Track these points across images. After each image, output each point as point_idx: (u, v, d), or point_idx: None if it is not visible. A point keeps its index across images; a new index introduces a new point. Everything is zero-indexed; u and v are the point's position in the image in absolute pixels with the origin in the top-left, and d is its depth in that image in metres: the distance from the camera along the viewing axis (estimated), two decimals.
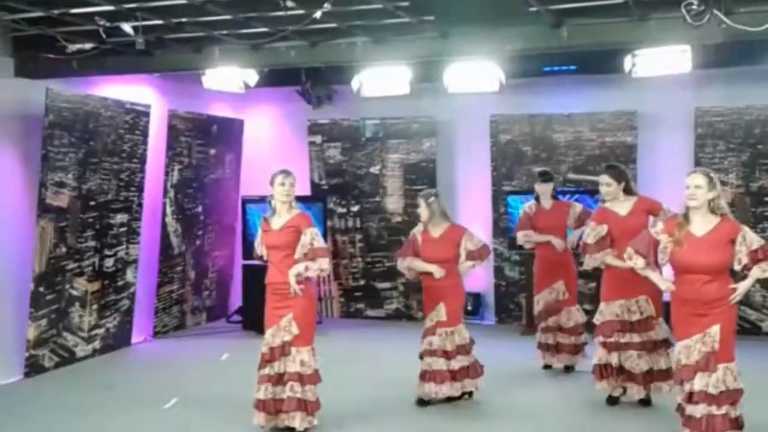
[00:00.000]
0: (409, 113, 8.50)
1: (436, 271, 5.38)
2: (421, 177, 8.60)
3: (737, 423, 4.20)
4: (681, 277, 4.24)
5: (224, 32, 5.96)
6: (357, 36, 5.94)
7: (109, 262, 7.18)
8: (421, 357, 5.48)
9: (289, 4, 5.01)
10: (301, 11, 5.18)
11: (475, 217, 7.73)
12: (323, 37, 5.97)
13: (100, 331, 7.16)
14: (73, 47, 6.16)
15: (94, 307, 7.06)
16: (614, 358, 5.24)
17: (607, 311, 5.27)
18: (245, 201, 8.40)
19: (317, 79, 7.97)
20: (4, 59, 6.33)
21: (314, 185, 8.88)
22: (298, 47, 6.12)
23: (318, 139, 8.93)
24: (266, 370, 4.87)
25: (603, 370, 5.31)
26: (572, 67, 7.42)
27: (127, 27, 5.51)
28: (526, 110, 8.23)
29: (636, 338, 5.22)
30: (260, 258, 5.13)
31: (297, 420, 4.82)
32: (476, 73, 6.92)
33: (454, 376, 5.40)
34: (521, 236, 6.42)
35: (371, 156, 8.78)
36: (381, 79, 7.15)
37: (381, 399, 5.71)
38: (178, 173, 8.08)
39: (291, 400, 4.81)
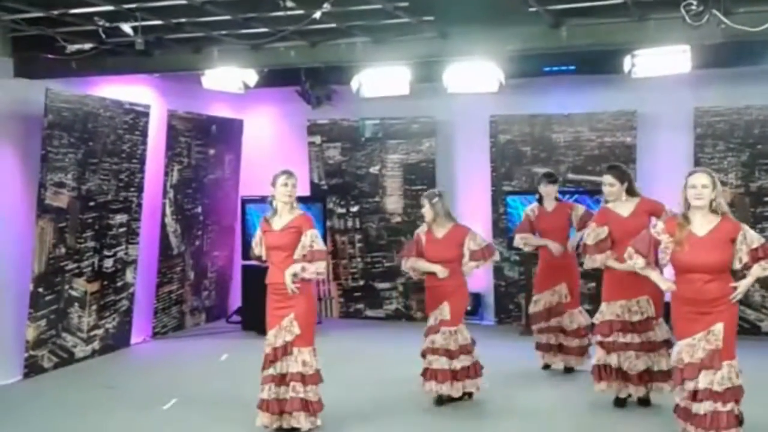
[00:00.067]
0: (408, 113, 8.50)
1: (440, 271, 5.39)
2: (421, 177, 8.60)
3: (739, 419, 4.23)
4: (682, 276, 4.24)
5: (224, 32, 5.96)
6: (356, 36, 5.94)
7: (108, 263, 7.18)
8: (423, 355, 5.49)
9: (289, 4, 5.01)
10: (301, 11, 5.18)
11: (475, 218, 7.72)
12: (323, 37, 5.97)
13: (100, 331, 7.16)
14: (72, 47, 6.15)
15: (94, 307, 7.06)
16: (613, 359, 5.24)
17: (608, 311, 5.28)
18: (245, 201, 8.40)
19: (317, 80, 7.97)
20: (4, 59, 6.32)
21: (314, 185, 8.88)
22: (298, 47, 6.11)
23: (317, 139, 8.93)
24: (270, 371, 4.88)
25: (602, 371, 5.31)
26: (572, 68, 7.42)
27: (126, 27, 5.51)
28: (525, 110, 8.23)
29: (636, 339, 5.22)
30: (258, 258, 5.14)
31: (301, 420, 4.83)
32: (476, 74, 6.92)
33: (455, 376, 5.40)
34: (518, 239, 6.43)
35: (371, 156, 8.78)
36: (380, 80, 7.15)
37: (382, 399, 5.71)
38: (178, 173, 8.07)
39: (294, 400, 4.82)
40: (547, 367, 6.38)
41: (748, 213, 7.40)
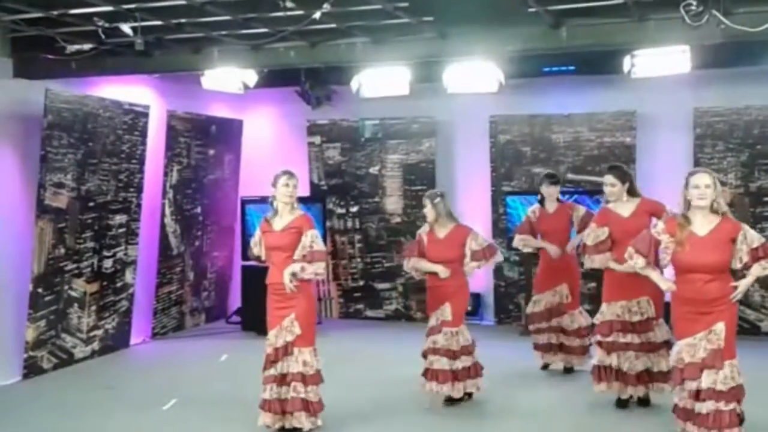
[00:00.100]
0: (408, 114, 8.50)
1: (442, 271, 5.39)
2: (421, 177, 8.60)
3: (741, 418, 4.24)
4: (683, 276, 4.25)
5: (223, 33, 5.96)
6: (356, 36, 5.94)
7: (107, 263, 7.18)
8: (424, 356, 5.49)
9: (289, 4, 5.01)
10: (301, 12, 5.18)
11: (475, 218, 7.71)
12: (322, 37, 5.97)
13: (99, 332, 7.15)
14: (72, 48, 6.15)
15: (93, 308, 7.05)
16: (613, 360, 5.23)
17: (609, 312, 5.27)
18: (244, 201, 8.40)
19: (316, 80, 7.97)
20: (3, 60, 6.33)
21: (313, 186, 8.88)
22: (298, 48, 6.11)
23: (317, 139, 8.92)
24: (271, 371, 4.88)
25: (602, 372, 5.30)
26: (571, 68, 7.42)
27: (126, 28, 5.51)
28: (525, 111, 8.23)
29: (636, 339, 5.22)
30: (256, 258, 5.14)
31: (303, 420, 4.84)
32: (475, 74, 6.92)
33: (456, 376, 5.40)
34: (518, 240, 6.43)
35: (370, 156, 8.78)
36: (380, 80, 7.15)
37: (382, 399, 5.71)
38: (177, 174, 8.07)
39: (295, 400, 4.83)
40: (546, 366, 6.38)
41: (748, 213, 7.40)
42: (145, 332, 7.86)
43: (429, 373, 5.44)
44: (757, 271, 4.18)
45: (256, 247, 5.07)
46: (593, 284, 6.88)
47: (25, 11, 5.39)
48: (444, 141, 8.61)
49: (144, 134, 7.45)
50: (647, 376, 5.26)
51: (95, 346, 7.11)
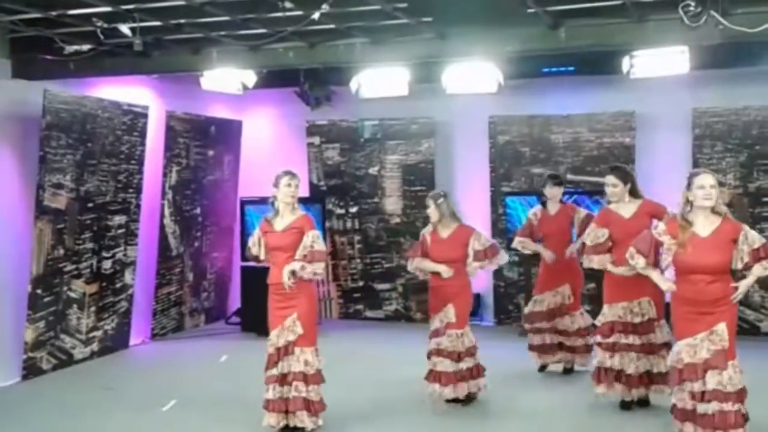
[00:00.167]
0: (407, 114, 8.50)
1: (444, 271, 5.39)
2: (420, 178, 8.60)
3: (745, 417, 4.25)
4: (684, 277, 4.25)
5: (222, 33, 5.96)
6: (355, 37, 5.94)
7: (107, 264, 7.17)
8: (429, 357, 5.50)
9: (288, 5, 5.01)
10: (300, 12, 5.18)
11: (474, 219, 7.69)
12: (322, 38, 5.97)
13: (98, 333, 7.15)
14: (70, 48, 6.15)
15: (92, 309, 7.05)
16: (615, 361, 5.22)
17: (610, 313, 5.27)
18: (244, 202, 8.39)
19: (316, 80, 7.97)
20: (2, 60, 6.33)
21: (313, 186, 8.88)
22: (297, 48, 6.11)
23: (316, 140, 8.92)
24: (273, 371, 4.89)
25: (602, 374, 5.29)
26: (570, 68, 7.43)
27: (124, 28, 5.50)
28: (524, 111, 8.23)
29: (637, 340, 5.21)
30: (254, 258, 5.13)
31: (305, 419, 4.85)
32: (475, 74, 6.93)
33: (460, 378, 5.40)
34: (517, 242, 6.43)
35: (370, 157, 8.78)
36: (379, 80, 7.16)
37: (382, 400, 5.71)
38: (177, 174, 8.07)
39: (297, 400, 4.84)
40: (544, 368, 6.36)
41: (747, 213, 7.40)
42: (145, 333, 7.86)
43: (432, 375, 5.45)
44: (758, 271, 4.18)
45: (255, 247, 5.08)
46: (593, 285, 6.88)
47: (23, 12, 5.38)
48: (443, 141, 8.61)
49: (143, 135, 7.45)
50: (647, 378, 5.26)
51: (94, 347, 7.11)
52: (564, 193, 6.80)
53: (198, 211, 8.45)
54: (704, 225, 4.21)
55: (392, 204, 8.74)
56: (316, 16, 5.11)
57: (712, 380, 4.18)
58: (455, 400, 5.48)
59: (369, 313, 8.86)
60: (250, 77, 7.33)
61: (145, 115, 7.47)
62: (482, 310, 8.50)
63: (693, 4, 4.65)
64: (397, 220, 8.73)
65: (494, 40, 5.57)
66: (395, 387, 5.99)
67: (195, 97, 8.07)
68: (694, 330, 4.23)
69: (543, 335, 6.31)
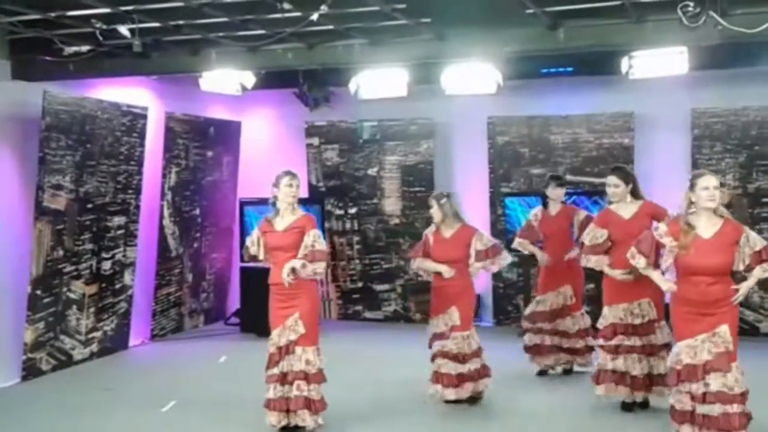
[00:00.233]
0: (406, 115, 8.50)
1: (446, 271, 5.40)
2: (419, 179, 8.60)
3: (748, 418, 4.26)
4: (686, 278, 4.26)
5: (221, 34, 5.96)
6: (354, 38, 5.94)
7: (106, 265, 7.17)
8: (433, 359, 5.50)
9: (286, 6, 5.01)
10: (298, 13, 5.18)
11: (473, 219, 7.69)
12: (320, 39, 5.97)
13: (98, 334, 7.15)
14: (69, 50, 6.16)
15: (92, 310, 7.05)
16: (619, 363, 5.20)
17: (610, 315, 5.26)
18: (243, 203, 8.40)
19: (314, 81, 7.97)
20: (1, 62, 6.33)
21: (312, 187, 8.88)
22: (295, 49, 6.11)
23: (315, 141, 8.92)
24: (274, 370, 4.90)
25: (602, 375, 5.28)
26: (569, 69, 7.43)
27: (123, 29, 5.51)
28: (523, 112, 8.23)
29: (637, 342, 5.21)
30: (252, 258, 5.13)
31: (306, 418, 4.86)
32: (473, 75, 6.92)
33: (465, 379, 5.40)
34: (517, 243, 6.45)
35: (369, 158, 8.78)
36: (378, 81, 7.15)
37: (382, 400, 5.71)
38: (176, 175, 8.07)
39: (298, 399, 4.85)
40: (543, 372, 6.32)
41: (746, 214, 7.41)
42: (144, 334, 7.86)
43: (435, 376, 5.45)
44: (758, 273, 4.20)
45: (253, 247, 5.08)
46: (591, 285, 6.88)
47: (23, 13, 5.39)
48: (442, 142, 8.62)
49: (142, 136, 7.45)
50: (648, 380, 5.25)
51: (94, 347, 7.11)
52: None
53: (197, 212, 8.45)
54: (706, 226, 4.22)
55: (391, 205, 8.74)
56: (314, 17, 5.11)
57: (715, 382, 4.18)
58: (458, 401, 5.47)
59: (368, 314, 8.86)
60: (249, 78, 7.32)
61: (145, 116, 7.47)
62: (481, 311, 8.49)
63: (692, 4, 4.65)
64: (396, 220, 8.73)
65: (493, 40, 5.57)
66: (394, 387, 5.99)
67: (194, 98, 8.07)
68: (694, 331, 4.23)
69: (542, 336, 6.28)
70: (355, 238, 8.86)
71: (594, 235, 5.30)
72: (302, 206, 5.21)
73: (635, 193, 5.34)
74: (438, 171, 8.56)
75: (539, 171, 8.11)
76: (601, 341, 5.29)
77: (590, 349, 6.18)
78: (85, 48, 6.12)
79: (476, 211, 8.18)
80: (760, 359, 6.23)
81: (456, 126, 8.55)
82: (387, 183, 8.74)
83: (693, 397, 4.26)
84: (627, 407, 5.30)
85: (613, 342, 5.22)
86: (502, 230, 8.06)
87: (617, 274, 5.15)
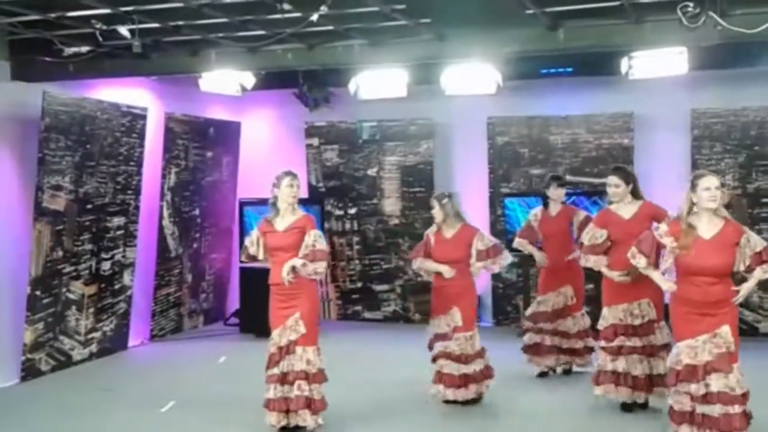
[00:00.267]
0: (406, 115, 8.51)
1: (446, 271, 5.40)
2: (419, 179, 8.60)
3: (749, 419, 4.27)
4: (686, 278, 4.26)
5: (221, 35, 5.96)
6: (354, 39, 5.95)
7: (105, 266, 7.17)
8: (434, 360, 5.49)
9: (286, 7, 5.01)
10: (298, 14, 5.18)
11: (473, 220, 7.69)
12: (320, 39, 5.97)
13: (97, 334, 7.14)
14: (69, 50, 6.15)
15: (91, 310, 7.05)
16: (618, 364, 5.19)
17: (611, 316, 5.25)
18: (242, 203, 8.40)
19: (314, 82, 7.97)
20: (1, 62, 6.34)
21: (312, 188, 8.88)
22: (295, 50, 6.12)
23: (315, 141, 8.92)
24: (275, 370, 4.90)
25: (602, 376, 5.28)
26: (569, 70, 7.44)
27: (123, 30, 5.51)
28: (523, 112, 8.23)
29: (638, 342, 5.20)
30: (251, 258, 5.12)
31: (307, 418, 4.86)
32: (473, 76, 6.92)
33: (469, 380, 5.40)
34: (517, 242, 6.45)
35: (368, 158, 8.78)
36: (378, 82, 7.15)
37: (382, 400, 5.71)
38: (175, 176, 8.07)
39: (299, 399, 4.85)
40: (544, 374, 6.30)
41: (746, 214, 7.41)
42: (144, 334, 7.86)
43: (437, 377, 5.45)
44: (759, 274, 4.20)
45: (253, 247, 5.08)
46: (591, 286, 6.88)
47: (22, 14, 5.39)
48: (442, 143, 8.62)
49: (142, 136, 7.45)
50: (648, 380, 5.24)
51: (93, 348, 7.10)
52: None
53: (197, 212, 8.45)
54: (707, 227, 4.23)
55: (391, 205, 8.74)
56: (314, 17, 5.11)
57: (717, 383, 4.18)
58: (457, 401, 5.47)
59: (367, 314, 8.86)
60: (249, 79, 7.32)
61: (144, 117, 7.47)
62: (481, 311, 8.47)
63: (691, 4, 4.65)
64: (396, 221, 8.73)
65: (493, 41, 5.58)
66: (394, 387, 5.99)
67: (194, 99, 8.07)
68: (694, 331, 4.23)
69: (542, 336, 6.28)
70: (355, 239, 8.86)
71: (593, 235, 5.30)
72: (302, 207, 5.21)
73: (635, 194, 5.35)
74: (438, 171, 8.56)
75: (539, 171, 8.11)
76: (603, 343, 5.28)
77: (590, 350, 6.18)
78: (84, 49, 6.12)
79: (476, 212, 8.17)
80: (759, 359, 6.23)
81: (456, 126, 8.55)
82: (387, 183, 8.74)
83: (693, 398, 4.26)
84: (627, 408, 5.30)
85: (615, 343, 5.21)
86: (502, 231, 8.06)
87: (614, 275, 5.16)
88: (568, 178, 7.99)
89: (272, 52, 6.13)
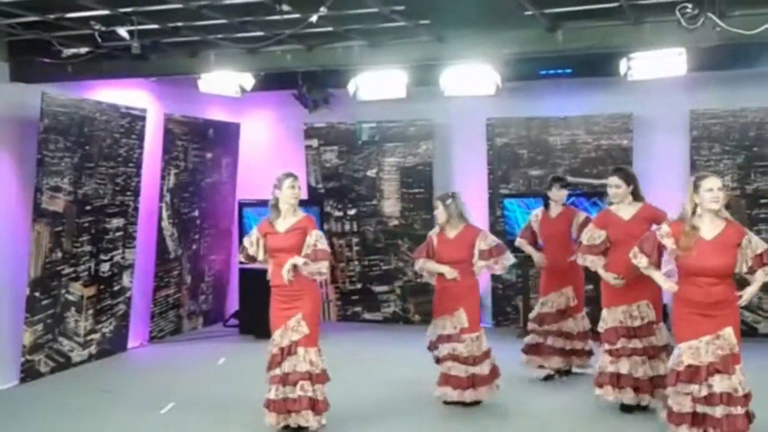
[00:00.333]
0: (405, 117, 8.51)
1: (448, 272, 5.40)
2: (418, 180, 8.61)
3: (750, 419, 4.28)
4: (688, 278, 4.26)
5: (220, 36, 5.96)
6: (353, 40, 5.95)
7: (104, 267, 7.17)
8: (439, 361, 5.48)
9: (285, 8, 5.01)
10: (297, 15, 5.18)
11: (472, 221, 7.72)
12: (319, 40, 5.97)
13: (96, 336, 7.14)
14: (68, 51, 6.15)
15: (90, 311, 7.04)
16: (621, 365, 5.18)
17: (610, 318, 5.24)
18: (242, 205, 8.40)
19: (314, 83, 7.97)
20: (0, 63, 6.32)
21: (311, 189, 8.88)
22: (295, 51, 6.12)
23: (315, 142, 8.93)
24: (276, 371, 4.90)
25: (604, 378, 5.26)
26: (568, 71, 7.44)
27: (122, 31, 5.51)
28: (522, 113, 8.24)
29: (638, 344, 5.20)
30: (250, 259, 5.11)
31: (310, 419, 4.86)
32: (472, 77, 6.93)
33: (477, 381, 5.40)
34: (518, 241, 6.47)
35: (368, 159, 8.78)
36: (377, 83, 7.15)
37: (382, 401, 5.72)
38: (175, 177, 8.07)
39: (302, 399, 4.85)
40: (550, 377, 6.28)
41: (745, 215, 7.41)
42: (143, 336, 7.85)
43: (442, 378, 5.44)
44: (761, 277, 4.22)
45: (252, 247, 5.07)
46: (590, 287, 6.88)
47: (21, 15, 5.38)
48: (441, 144, 8.62)
49: (141, 138, 7.45)
50: (650, 381, 5.23)
51: (92, 349, 7.10)
52: None
53: (196, 213, 8.44)
54: (710, 228, 4.23)
55: (390, 206, 8.74)
56: (313, 18, 5.11)
57: (720, 384, 4.18)
58: (457, 402, 5.46)
59: (367, 316, 8.86)
60: (248, 80, 7.32)
61: (143, 118, 7.47)
62: (480, 312, 8.47)
63: (690, 6, 4.66)
64: (396, 222, 8.73)
65: (492, 42, 5.58)
66: (394, 388, 6.00)
67: (193, 100, 8.07)
68: (697, 332, 4.23)
69: (545, 336, 6.25)
70: (354, 240, 8.86)
71: (591, 235, 5.31)
72: (301, 208, 5.21)
73: (636, 195, 5.34)
74: (437, 172, 8.56)
75: (538, 172, 8.12)
76: (606, 346, 5.26)
77: (589, 353, 6.18)
78: (83, 50, 6.12)
79: (475, 213, 8.11)
80: (758, 360, 6.22)
81: (455, 127, 8.56)
82: (386, 184, 8.74)
83: (694, 399, 4.26)
84: (627, 409, 5.30)
85: (618, 345, 5.20)
86: (501, 231, 8.05)
87: (610, 278, 5.16)
88: (568, 179, 8.01)
89: (271, 54, 6.13)
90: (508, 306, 8.41)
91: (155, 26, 5.55)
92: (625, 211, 5.32)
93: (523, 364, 6.30)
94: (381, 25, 5.59)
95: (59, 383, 6.46)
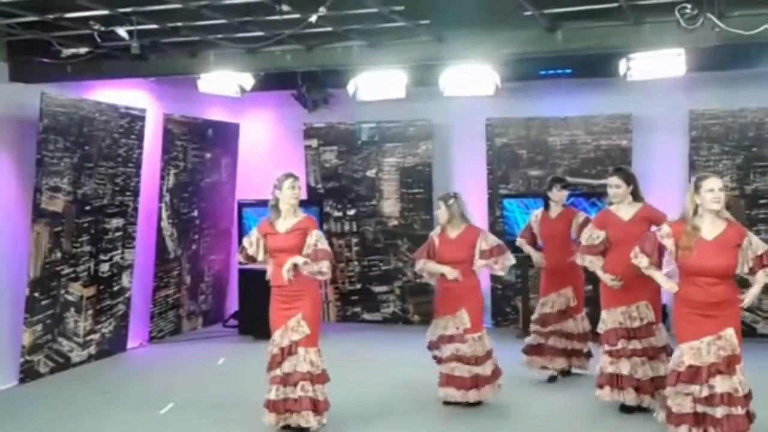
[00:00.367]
0: (405, 117, 8.51)
1: (449, 272, 5.40)
2: (418, 180, 8.61)
3: (751, 419, 4.29)
4: (689, 279, 4.27)
5: (219, 36, 5.96)
6: (353, 40, 5.95)
7: (104, 267, 7.16)
8: (440, 361, 5.48)
9: (285, 8, 5.01)
10: (297, 15, 5.18)
11: (472, 221, 7.73)
12: (319, 40, 5.98)
13: (96, 336, 7.14)
14: (67, 52, 6.15)
15: (90, 312, 7.04)
16: (622, 366, 5.18)
17: (610, 319, 5.24)
18: (241, 205, 8.40)
19: (313, 83, 7.96)
20: None
21: (310, 189, 8.88)
22: (294, 51, 6.12)
23: (314, 142, 8.93)
24: (277, 372, 4.90)
25: (604, 379, 5.26)
26: (567, 71, 7.44)
27: (122, 31, 5.51)
28: (521, 113, 8.24)
29: (638, 345, 5.20)
30: (249, 259, 5.10)
31: (310, 419, 4.86)
32: (472, 77, 6.92)
33: (480, 381, 5.40)
34: (518, 241, 6.47)
35: (367, 160, 8.79)
36: (377, 83, 7.14)
37: (382, 401, 5.72)
38: (174, 177, 8.07)
39: (303, 399, 4.85)
40: (553, 378, 6.26)
41: (744, 215, 7.41)
42: (142, 336, 7.85)
43: (446, 379, 5.44)
44: (762, 278, 4.22)
45: (252, 248, 5.06)
46: (589, 287, 6.88)
47: (20, 15, 5.38)
48: (441, 144, 8.62)
49: (140, 138, 7.45)
50: (651, 382, 5.23)
51: (92, 350, 7.10)
52: None
53: (195, 213, 8.44)
54: (710, 229, 4.24)
55: (390, 206, 8.74)
56: (313, 18, 5.11)
57: (722, 384, 4.19)
58: (458, 403, 5.46)
59: (367, 316, 8.86)
60: (248, 80, 7.31)
61: (143, 118, 7.47)
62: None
63: (689, 6, 4.66)
64: (395, 222, 8.73)
65: (491, 42, 5.58)
66: (394, 388, 6.00)
67: (192, 100, 8.07)
68: (698, 332, 4.24)
69: (547, 337, 6.24)
70: (354, 240, 8.85)
71: (590, 235, 5.31)
72: (300, 208, 5.21)
73: (636, 195, 5.34)
74: (436, 172, 8.56)
75: (537, 173, 8.12)
76: (606, 347, 5.26)
77: (588, 354, 6.18)
78: (83, 50, 6.12)
79: (475, 213, 8.11)
80: (758, 360, 6.22)
81: (454, 128, 8.56)
82: (385, 185, 8.74)
83: (695, 399, 4.26)
84: (627, 410, 5.29)
85: (618, 347, 5.20)
86: (501, 232, 8.05)
87: (607, 279, 5.17)
88: (568, 179, 8.01)
89: (271, 54, 6.13)
90: (508, 306, 8.42)
91: (155, 26, 5.55)
92: (625, 211, 5.32)
93: (524, 364, 6.30)
94: (381, 25, 5.60)
95: (59, 383, 6.46)
